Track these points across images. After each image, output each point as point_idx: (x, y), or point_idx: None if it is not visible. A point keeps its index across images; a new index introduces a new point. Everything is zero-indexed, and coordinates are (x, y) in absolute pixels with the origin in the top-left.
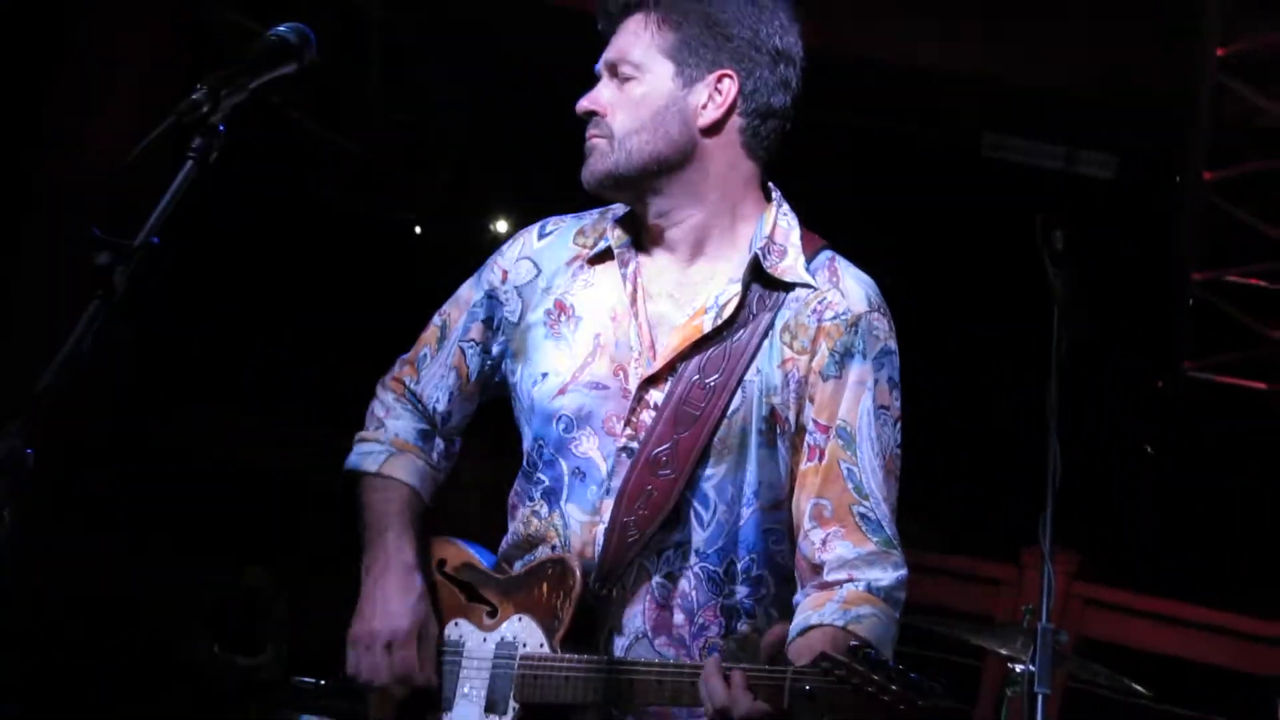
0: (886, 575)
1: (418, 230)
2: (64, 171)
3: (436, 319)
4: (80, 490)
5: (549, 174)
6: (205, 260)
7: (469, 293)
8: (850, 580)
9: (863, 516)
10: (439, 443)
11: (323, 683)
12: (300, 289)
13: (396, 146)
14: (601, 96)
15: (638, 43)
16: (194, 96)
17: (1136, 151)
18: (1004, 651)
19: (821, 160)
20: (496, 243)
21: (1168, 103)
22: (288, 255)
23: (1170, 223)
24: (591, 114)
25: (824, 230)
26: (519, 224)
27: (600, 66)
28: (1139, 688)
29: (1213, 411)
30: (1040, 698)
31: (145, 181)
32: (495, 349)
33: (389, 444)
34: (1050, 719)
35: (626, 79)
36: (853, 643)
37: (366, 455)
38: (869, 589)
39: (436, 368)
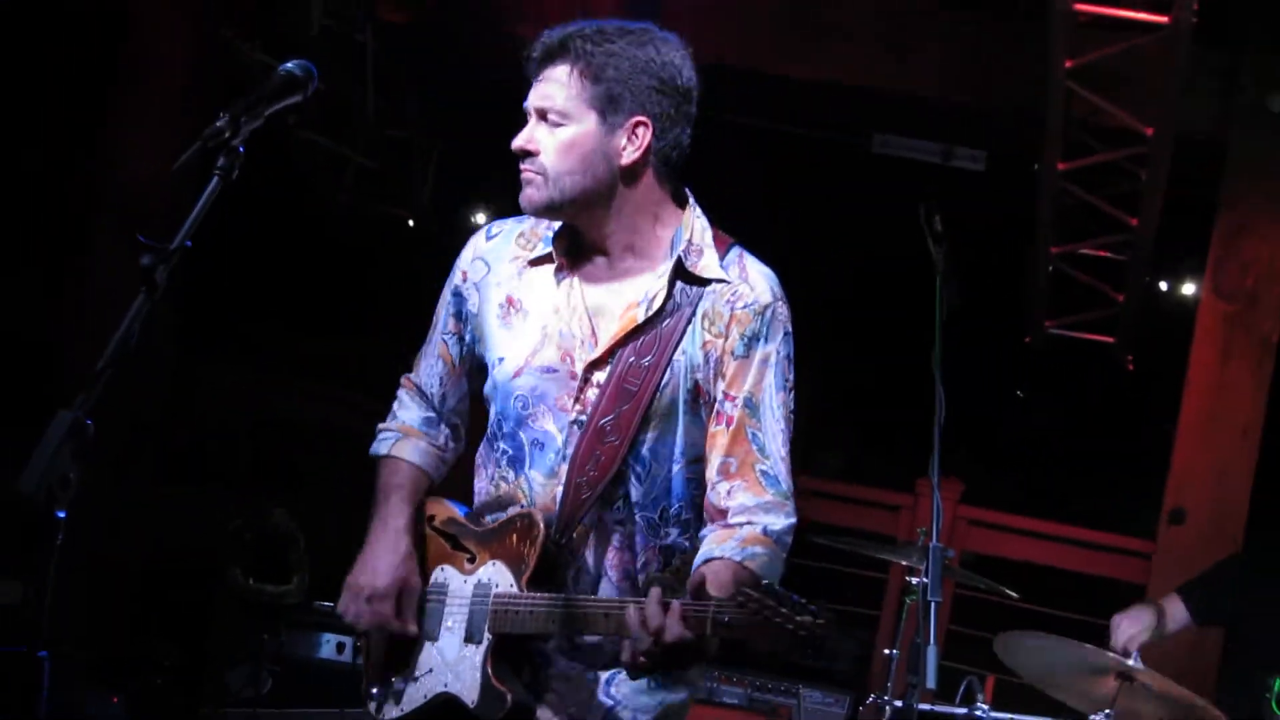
0: (779, 521)
1: (410, 223)
2: (118, 185)
3: (433, 320)
4: (137, 449)
5: (511, 172)
6: (240, 252)
7: (445, 293)
8: (749, 523)
9: (763, 473)
10: (443, 427)
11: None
12: (316, 274)
13: (390, 156)
14: (536, 138)
15: (564, 92)
16: (218, 123)
17: (1002, 147)
18: (904, 564)
19: (741, 158)
20: (474, 231)
21: (1027, 106)
22: (306, 245)
23: (1031, 206)
24: (526, 153)
25: (742, 218)
26: (493, 214)
27: (529, 108)
28: (1010, 591)
29: (1071, 361)
30: (933, 604)
31: (181, 194)
32: (467, 337)
33: (397, 430)
34: (941, 621)
35: (556, 124)
36: (764, 581)
37: (381, 442)
38: (764, 532)
39: (429, 359)
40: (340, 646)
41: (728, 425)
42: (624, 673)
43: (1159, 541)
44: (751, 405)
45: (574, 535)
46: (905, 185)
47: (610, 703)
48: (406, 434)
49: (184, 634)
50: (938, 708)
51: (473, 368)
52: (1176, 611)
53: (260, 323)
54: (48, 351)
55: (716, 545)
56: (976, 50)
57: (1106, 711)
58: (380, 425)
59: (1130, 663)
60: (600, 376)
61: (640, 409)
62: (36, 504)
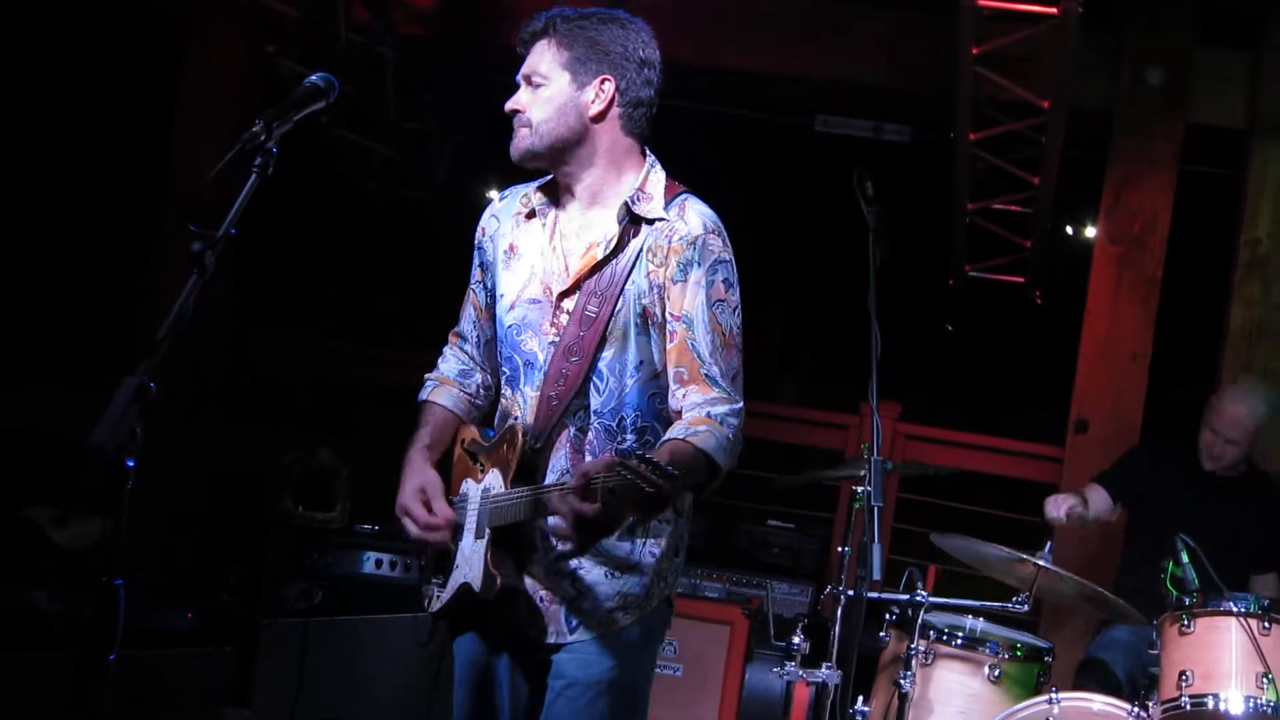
0: (721, 407)
1: (429, 202)
2: (180, 181)
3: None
4: (202, 401)
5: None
6: (291, 232)
7: (473, 250)
8: (697, 412)
9: (706, 375)
10: (476, 376)
11: (376, 528)
12: (349, 247)
13: (410, 146)
14: (521, 99)
15: (543, 60)
16: (254, 129)
17: (923, 122)
18: (845, 475)
19: (704, 140)
20: (485, 205)
21: (942, 87)
22: (344, 225)
23: (949, 170)
24: (515, 111)
25: (708, 192)
26: (500, 189)
27: (519, 77)
28: (945, 467)
29: (988, 299)
30: (876, 509)
31: (228, 189)
32: (488, 283)
33: (435, 380)
34: (886, 522)
35: (537, 85)
36: (639, 451)
37: (423, 389)
38: (708, 415)
39: (466, 306)
40: (379, 563)
41: (675, 340)
42: (585, 565)
43: (1067, 447)
44: (689, 321)
45: (547, 441)
46: (842, 157)
47: (575, 592)
48: (442, 382)
49: (244, 556)
50: (884, 595)
51: (495, 312)
52: (1097, 498)
53: (310, 290)
54: (121, 324)
55: (669, 432)
56: (900, 41)
57: (1027, 593)
58: (426, 375)
59: (1040, 562)
60: (570, 304)
61: (598, 332)
62: (108, 456)
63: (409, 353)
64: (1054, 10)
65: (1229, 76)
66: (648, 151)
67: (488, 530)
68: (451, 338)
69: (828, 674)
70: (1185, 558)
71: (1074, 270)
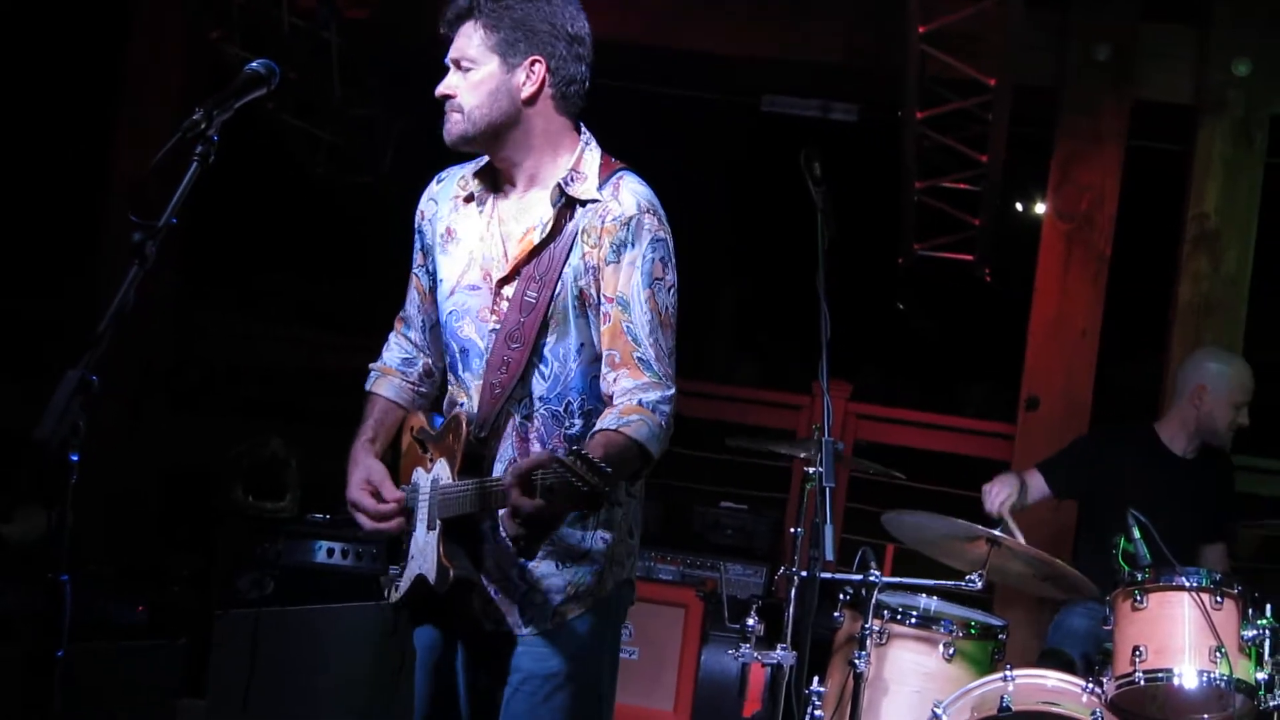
0: (653, 394)
1: (375, 188)
2: (127, 169)
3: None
4: (149, 390)
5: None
6: (240, 220)
7: (414, 234)
8: (628, 400)
9: (639, 359)
10: (420, 363)
11: (328, 517)
12: (295, 233)
13: (354, 131)
14: (451, 83)
15: (470, 43)
16: (194, 116)
17: (871, 101)
18: (802, 456)
19: (649, 122)
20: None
21: (889, 65)
22: (287, 210)
23: (896, 149)
24: (446, 96)
25: (656, 174)
26: None
27: (448, 61)
28: (896, 473)
29: (937, 276)
30: (828, 489)
31: (168, 178)
32: (430, 266)
33: (378, 370)
34: (839, 502)
35: (467, 70)
36: (574, 447)
37: (367, 378)
38: (639, 403)
39: (410, 291)
40: (331, 552)
41: (609, 323)
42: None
43: (1018, 425)
44: (624, 303)
45: (492, 429)
46: (790, 137)
47: (525, 585)
48: (384, 373)
49: (195, 547)
50: (838, 576)
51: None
52: (1036, 483)
53: (257, 275)
54: (66, 316)
55: (601, 421)
56: (847, 20)
57: (980, 571)
58: (370, 365)
59: (997, 533)
60: (509, 291)
61: (539, 317)
62: (52, 450)
63: (358, 339)
64: None
65: (1176, 53)
66: (583, 129)
67: (437, 521)
68: (396, 324)
69: (783, 655)
70: (1137, 533)
71: (1023, 247)
